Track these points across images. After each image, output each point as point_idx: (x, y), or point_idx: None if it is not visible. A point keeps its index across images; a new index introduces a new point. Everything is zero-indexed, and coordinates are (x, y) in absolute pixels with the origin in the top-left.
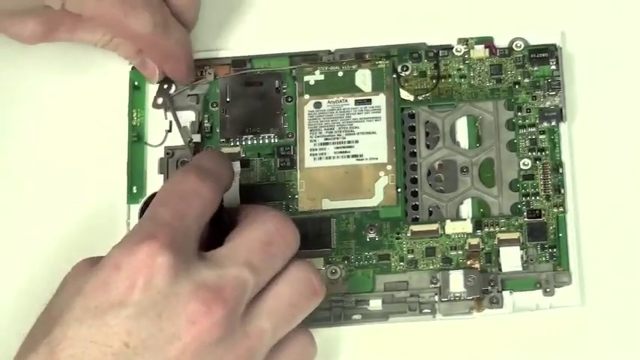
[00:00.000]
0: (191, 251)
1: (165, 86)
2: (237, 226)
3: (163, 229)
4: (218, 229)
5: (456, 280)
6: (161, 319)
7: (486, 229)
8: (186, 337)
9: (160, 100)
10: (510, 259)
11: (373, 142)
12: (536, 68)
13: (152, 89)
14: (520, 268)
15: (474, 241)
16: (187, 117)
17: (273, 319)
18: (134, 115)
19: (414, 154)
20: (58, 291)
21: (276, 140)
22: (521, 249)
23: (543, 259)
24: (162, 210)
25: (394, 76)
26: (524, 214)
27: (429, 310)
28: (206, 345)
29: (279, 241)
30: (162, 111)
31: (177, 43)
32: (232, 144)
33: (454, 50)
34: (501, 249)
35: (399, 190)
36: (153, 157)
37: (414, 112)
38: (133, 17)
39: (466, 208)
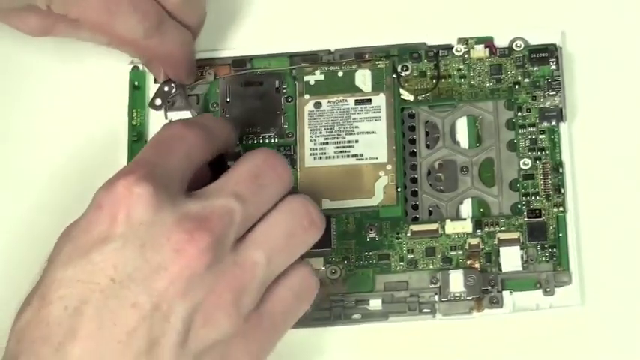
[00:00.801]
0: (176, 188)
1: (166, 88)
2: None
3: (140, 165)
4: None
5: (456, 280)
6: (145, 250)
7: (486, 229)
8: (173, 266)
9: (158, 101)
10: (510, 258)
11: (373, 141)
12: (536, 68)
13: (152, 89)
14: (520, 268)
15: (474, 240)
16: (187, 117)
17: (267, 250)
18: (134, 114)
19: (414, 154)
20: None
21: (276, 140)
22: (521, 249)
23: (543, 258)
24: (144, 153)
25: (394, 76)
26: (524, 213)
27: (429, 310)
28: (194, 274)
29: (267, 172)
30: (162, 111)
31: (175, 45)
32: None
33: (454, 50)
34: (501, 249)
35: (399, 189)
36: None
37: (414, 112)
38: (120, 22)
39: (466, 208)
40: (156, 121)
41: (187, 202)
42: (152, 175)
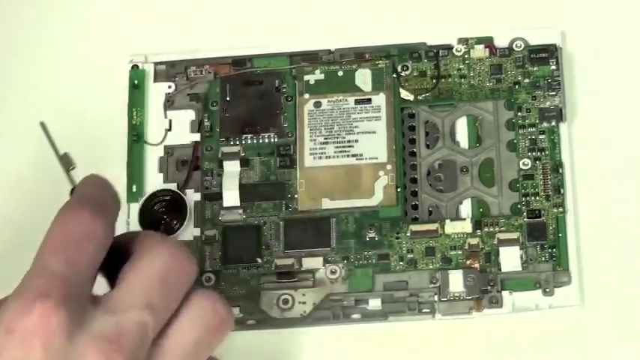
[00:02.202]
0: (85, 299)
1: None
2: (131, 260)
3: (56, 284)
4: (111, 256)
5: (456, 280)
6: None
7: (486, 229)
8: None
9: None
10: (510, 259)
11: (373, 141)
12: (536, 68)
13: (152, 88)
14: (520, 268)
15: (474, 240)
16: (187, 116)
17: (179, 357)
18: (133, 114)
19: (413, 154)
20: None
21: (276, 139)
22: (520, 249)
23: (543, 259)
24: (54, 259)
25: (394, 75)
26: (524, 214)
27: (429, 310)
28: None
29: (176, 274)
30: (162, 110)
31: None
32: (232, 143)
33: (454, 50)
34: (501, 249)
35: (398, 189)
36: (152, 156)
37: (413, 111)
38: None
39: (466, 208)
40: (155, 120)
41: (98, 318)
42: (67, 296)
